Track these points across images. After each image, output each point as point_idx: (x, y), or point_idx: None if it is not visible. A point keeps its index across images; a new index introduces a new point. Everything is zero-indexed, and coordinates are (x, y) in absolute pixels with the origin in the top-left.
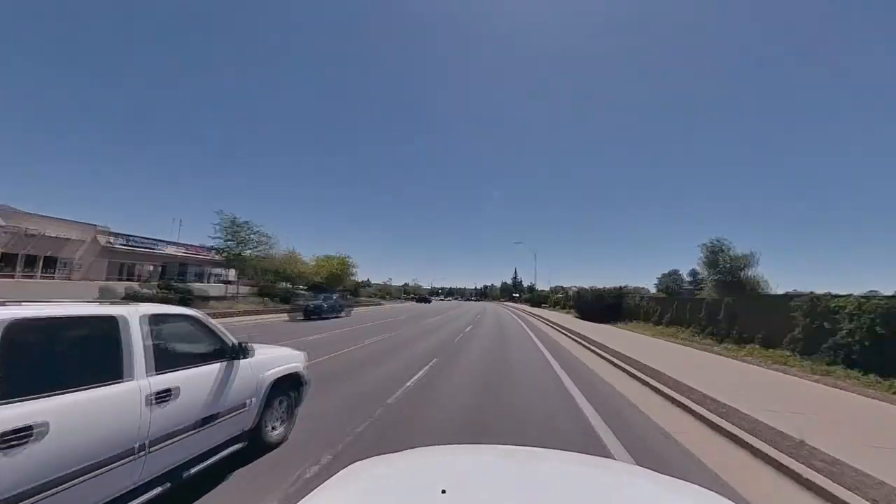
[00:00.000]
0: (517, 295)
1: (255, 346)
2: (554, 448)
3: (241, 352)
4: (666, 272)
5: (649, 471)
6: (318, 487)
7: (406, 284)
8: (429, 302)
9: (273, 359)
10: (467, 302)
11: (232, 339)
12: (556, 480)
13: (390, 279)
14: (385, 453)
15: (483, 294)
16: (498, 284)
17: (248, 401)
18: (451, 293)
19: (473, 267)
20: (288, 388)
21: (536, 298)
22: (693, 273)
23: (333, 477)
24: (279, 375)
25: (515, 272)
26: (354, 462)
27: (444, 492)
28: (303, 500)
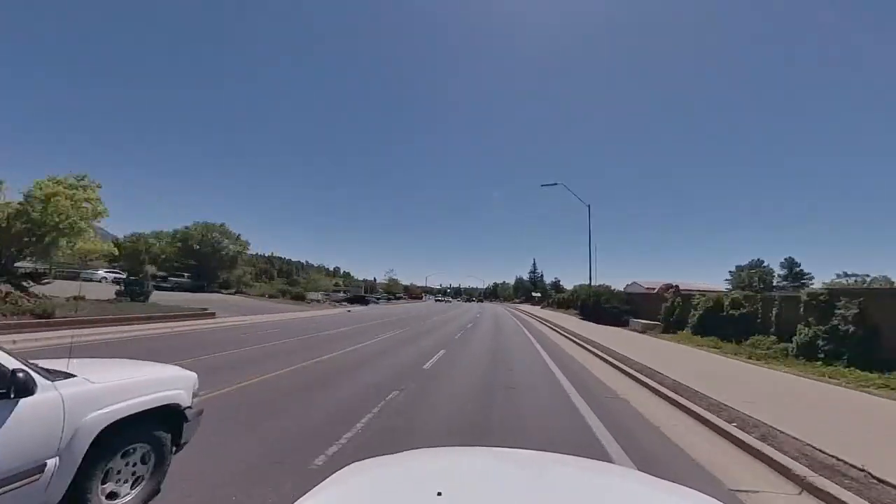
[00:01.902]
0: (538, 294)
1: (89, 364)
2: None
3: (14, 385)
4: (743, 264)
5: (646, 474)
6: (314, 489)
7: (392, 279)
8: (366, 303)
9: (117, 388)
10: (467, 303)
11: (5, 365)
12: (553, 483)
13: (323, 264)
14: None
15: (493, 294)
16: (511, 281)
17: (46, 462)
18: (458, 293)
19: (483, 265)
20: (151, 427)
21: (606, 304)
22: (790, 263)
23: (329, 478)
24: (127, 413)
25: (534, 264)
26: (351, 463)
27: (440, 494)
28: (298, 500)
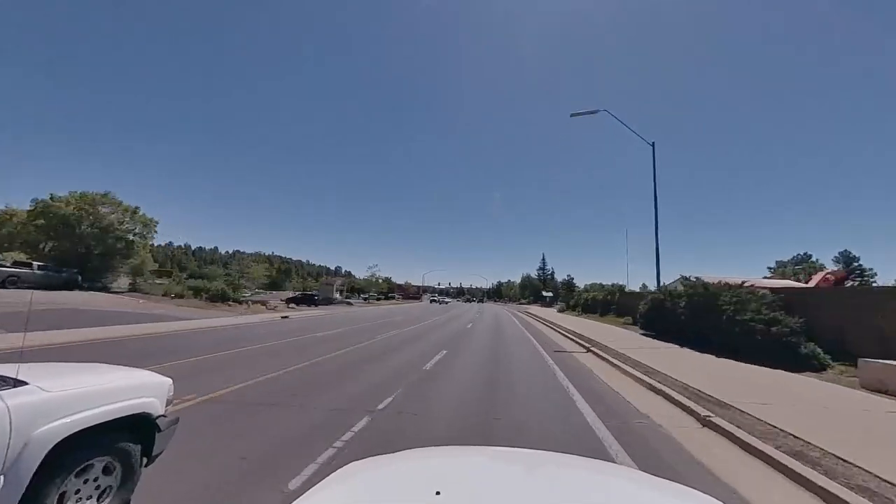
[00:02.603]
0: (549, 294)
1: (46, 370)
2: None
3: None
4: (787, 259)
5: (646, 474)
6: (313, 488)
7: (383, 278)
8: (314, 305)
9: (75, 397)
10: (467, 303)
11: None
12: (552, 482)
13: (237, 250)
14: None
15: (496, 293)
16: (517, 280)
17: None
18: (461, 292)
19: (488, 264)
20: (116, 439)
21: (744, 317)
22: (847, 257)
23: (328, 478)
24: (87, 425)
25: (543, 259)
26: (350, 462)
27: (438, 493)
28: (297, 500)
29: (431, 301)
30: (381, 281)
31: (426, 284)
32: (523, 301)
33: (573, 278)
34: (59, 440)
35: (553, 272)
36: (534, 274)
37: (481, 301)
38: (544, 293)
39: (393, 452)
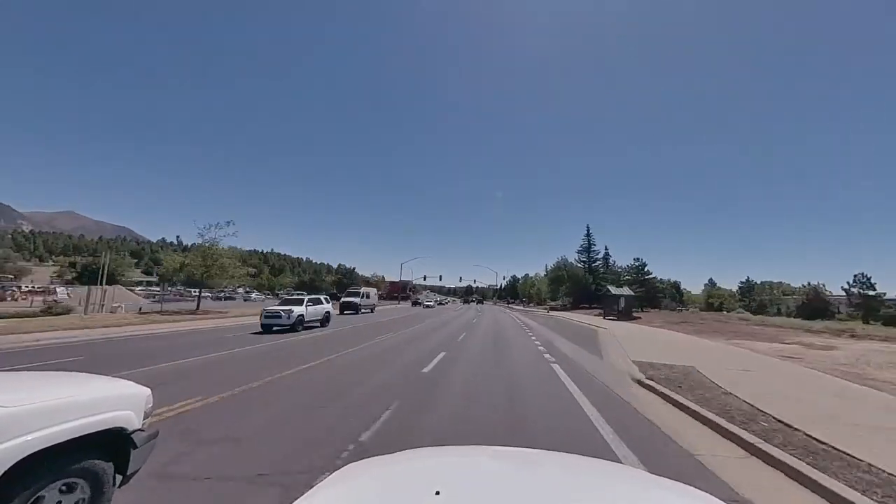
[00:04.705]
0: (623, 293)
1: (3, 381)
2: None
3: None
4: None
5: (648, 473)
6: (313, 489)
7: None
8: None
9: (36, 412)
10: (465, 304)
11: None
12: (552, 482)
13: (231, 247)
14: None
15: (511, 292)
16: (540, 272)
17: None
18: (469, 291)
19: (501, 260)
20: (85, 457)
21: None
22: None
23: (328, 478)
24: (49, 444)
25: (588, 234)
26: (349, 463)
27: (438, 493)
28: (297, 501)
29: (345, 309)
30: (239, 262)
31: (425, 283)
32: (555, 305)
33: (646, 263)
34: (14, 462)
35: (608, 254)
36: (572, 258)
37: (480, 302)
38: (613, 290)
39: (393, 453)
